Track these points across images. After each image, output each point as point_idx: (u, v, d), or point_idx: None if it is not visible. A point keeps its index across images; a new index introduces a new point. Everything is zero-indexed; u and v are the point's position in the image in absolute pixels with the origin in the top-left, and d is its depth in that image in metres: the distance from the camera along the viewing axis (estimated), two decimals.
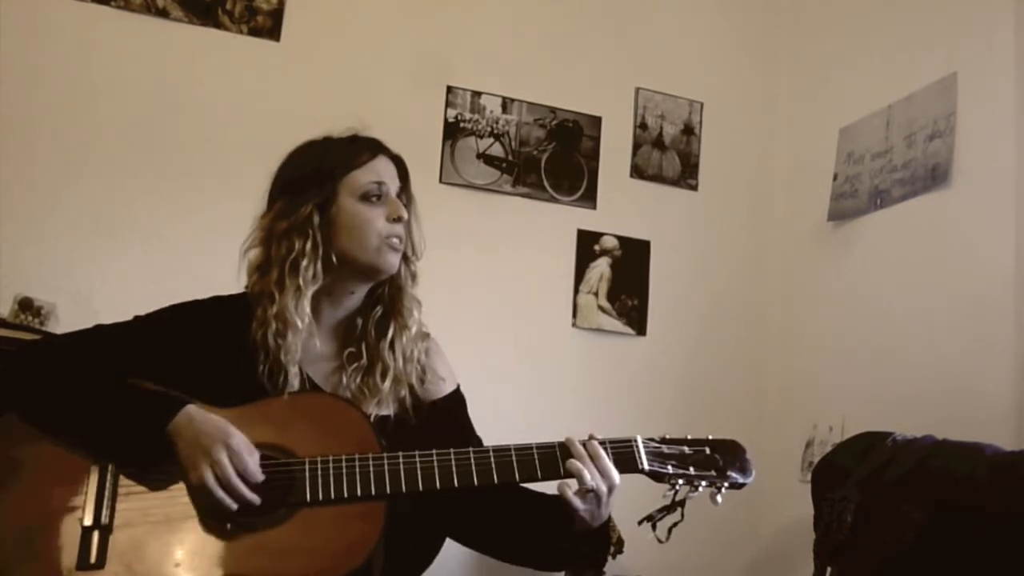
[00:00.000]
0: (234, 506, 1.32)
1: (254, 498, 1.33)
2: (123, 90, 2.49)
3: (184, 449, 1.34)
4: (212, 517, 1.34)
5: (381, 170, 1.57)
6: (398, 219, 1.55)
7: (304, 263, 1.49)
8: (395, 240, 1.55)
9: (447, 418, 1.61)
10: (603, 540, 1.50)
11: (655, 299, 2.90)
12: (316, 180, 1.54)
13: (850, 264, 2.66)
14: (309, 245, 1.50)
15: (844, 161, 2.70)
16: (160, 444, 1.34)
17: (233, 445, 1.34)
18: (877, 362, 2.46)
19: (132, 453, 1.38)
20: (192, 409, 1.37)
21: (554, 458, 1.43)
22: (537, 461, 1.43)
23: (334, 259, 1.52)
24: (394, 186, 1.58)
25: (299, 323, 1.48)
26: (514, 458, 1.42)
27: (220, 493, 1.32)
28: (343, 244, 1.53)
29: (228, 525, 1.34)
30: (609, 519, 1.50)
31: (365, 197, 1.54)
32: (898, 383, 2.36)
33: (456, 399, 1.66)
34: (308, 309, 1.50)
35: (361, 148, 1.58)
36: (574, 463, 1.41)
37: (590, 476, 1.40)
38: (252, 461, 1.34)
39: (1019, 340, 2.07)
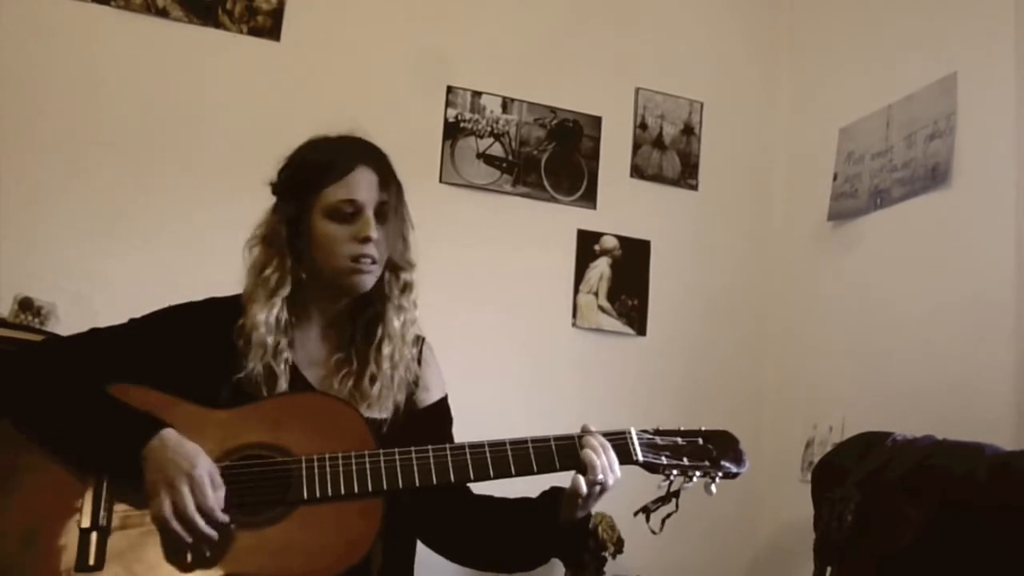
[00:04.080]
0: (189, 539, 1.31)
1: (211, 533, 1.31)
2: (123, 90, 2.49)
3: (149, 475, 1.33)
4: (170, 546, 1.32)
5: (358, 185, 1.52)
6: (365, 239, 1.50)
7: (268, 272, 1.50)
8: (365, 260, 1.51)
9: (428, 428, 1.60)
10: (586, 531, 1.52)
11: (655, 299, 2.90)
12: (292, 191, 1.54)
13: (850, 264, 2.65)
14: (276, 257, 1.51)
15: (844, 161, 2.70)
16: (133, 466, 1.33)
17: (196, 477, 1.31)
18: (877, 362, 2.46)
19: (107, 472, 1.37)
20: (166, 434, 1.35)
21: (549, 451, 1.44)
22: (532, 455, 1.43)
23: (303, 274, 1.52)
24: (371, 200, 1.52)
25: (264, 332, 1.48)
26: (510, 452, 1.43)
27: (175, 525, 1.30)
28: (313, 260, 1.53)
29: (187, 557, 1.32)
30: (589, 518, 1.51)
31: (335, 216, 1.51)
32: (898, 383, 2.36)
33: (440, 410, 1.66)
34: (274, 318, 1.49)
35: (343, 159, 1.53)
36: (589, 454, 1.42)
37: (602, 467, 1.42)
38: (214, 496, 1.32)
39: (1019, 340, 2.07)
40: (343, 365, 1.55)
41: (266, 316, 1.48)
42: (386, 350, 1.55)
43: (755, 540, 2.83)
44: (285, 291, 1.51)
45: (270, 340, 1.49)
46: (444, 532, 1.60)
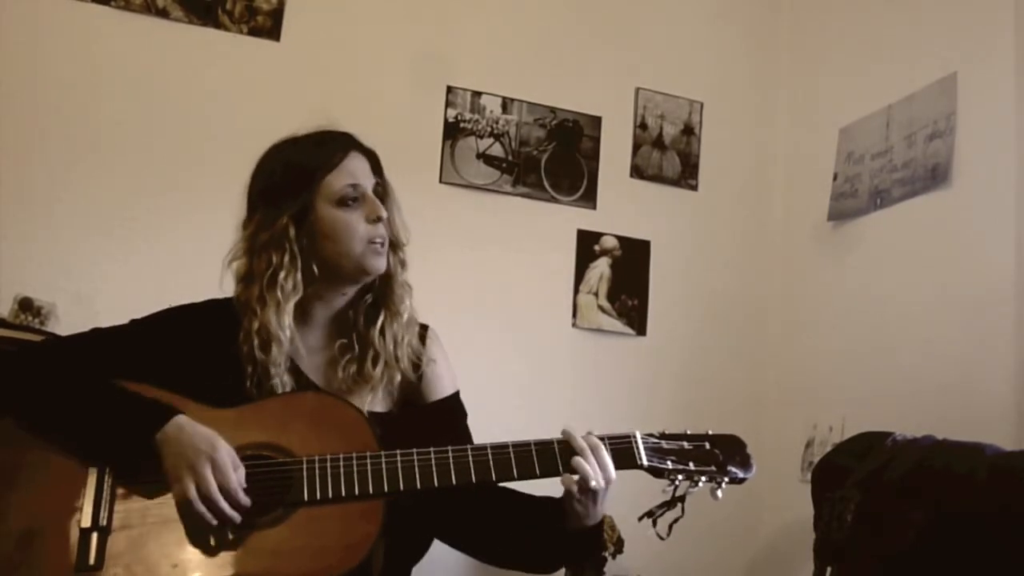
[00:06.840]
0: (213, 521, 1.32)
1: (234, 515, 1.33)
2: (123, 90, 2.49)
3: (169, 460, 1.33)
4: (193, 530, 1.33)
5: (355, 170, 1.55)
6: (378, 219, 1.54)
7: (282, 276, 1.49)
8: (378, 240, 1.54)
9: (441, 423, 1.60)
10: (597, 539, 1.50)
11: (655, 299, 2.90)
12: (290, 189, 1.52)
13: (850, 264, 2.65)
14: (287, 258, 1.49)
15: (844, 161, 2.70)
16: (148, 452, 1.34)
17: (218, 459, 1.33)
18: (877, 362, 2.46)
19: (120, 460, 1.37)
20: (182, 419, 1.36)
21: (552, 454, 1.43)
22: (535, 457, 1.43)
23: (315, 269, 1.52)
24: (369, 183, 1.56)
25: (282, 336, 1.48)
26: (512, 455, 1.42)
27: (200, 508, 1.31)
28: (326, 252, 1.52)
29: (211, 540, 1.33)
30: (604, 520, 1.50)
31: (342, 202, 1.53)
32: (898, 383, 2.36)
33: (454, 404, 1.65)
34: (289, 321, 1.50)
35: (332, 149, 1.55)
36: (579, 461, 1.40)
37: (593, 473, 1.40)
38: (236, 477, 1.33)
39: (1019, 340, 2.07)
40: (346, 351, 1.56)
41: (281, 327, 1.48)
42: (389, 330, 1.56)
43: (755, 540, 2.83)
44: (299, 295, 1.51)
45: (288, 345, 1.50)
46: (463, 523, 1.58)
